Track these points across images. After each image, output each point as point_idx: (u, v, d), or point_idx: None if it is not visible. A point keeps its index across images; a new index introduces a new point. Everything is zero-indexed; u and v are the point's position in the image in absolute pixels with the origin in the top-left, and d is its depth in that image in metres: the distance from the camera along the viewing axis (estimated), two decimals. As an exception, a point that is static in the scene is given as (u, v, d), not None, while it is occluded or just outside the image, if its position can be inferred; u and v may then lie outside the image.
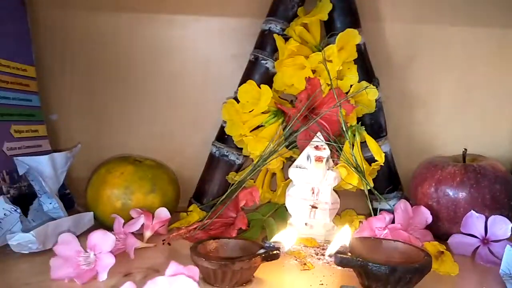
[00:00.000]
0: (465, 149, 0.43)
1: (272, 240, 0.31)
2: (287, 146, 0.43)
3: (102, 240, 0.31)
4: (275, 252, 0.30)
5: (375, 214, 0.40)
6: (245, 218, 0.39)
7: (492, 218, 0.37)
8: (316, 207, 0.40)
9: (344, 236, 0.31)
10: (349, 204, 0.48)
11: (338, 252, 0.29)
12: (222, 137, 0.46)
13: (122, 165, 0.41)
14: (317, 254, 0.37)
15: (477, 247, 0.38)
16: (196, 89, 0.50)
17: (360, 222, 0.42)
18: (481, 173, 0.39)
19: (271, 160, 0.41)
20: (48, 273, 0.30)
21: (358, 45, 0.43)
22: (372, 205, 0.46)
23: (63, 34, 0.49)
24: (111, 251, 0.31)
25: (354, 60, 0.43)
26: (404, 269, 0.28)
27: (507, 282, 0.31)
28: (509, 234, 0.37)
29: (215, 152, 0.47)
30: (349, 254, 0.29)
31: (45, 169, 0.40)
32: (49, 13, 0.48)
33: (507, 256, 0.33)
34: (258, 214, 0.42)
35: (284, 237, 0.32)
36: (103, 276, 0.30)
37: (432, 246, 0.35)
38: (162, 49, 0.49)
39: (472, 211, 0.38)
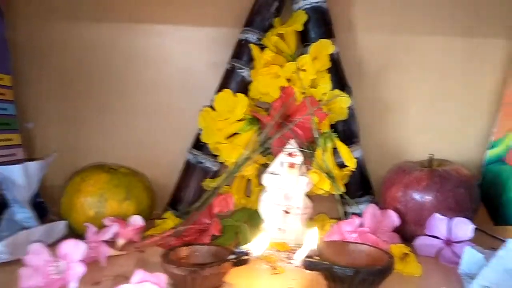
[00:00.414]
0: (431, 155, 0.44)
1: (245, 246, 0.32)
2: (262, 153, 0.44)
3: (73, 249, 0.31)
4: (244, 257, 0.31)
5: (347, 218, 0.41)
6: (219, 224, 0.40)
7: (454, 220, 0.39)
8: (288, 212, 0.41)
9: (312, 239, 0.32)
10: (323, 208, 0.49)
11: (305, 256, 0.30)
12: (198, 144, 0.47)
13: (96, 173, 0.41)
14: (288, 258, 0.38)
15: (441, 248, 0.39)
16: (174, 97, 0.50)
17: (332, 225, 0.43)
18: (446, 177, 0.41)
19: (245, 167, 0.42)
20: (17, 283, 0.30)
21: (331, 55, 0.45)
22: (345, 209, 0.48)
23: (40, 43, 0.48)
24: (82, 260, 0.31)
25: (327, 69, 0.44)
26: (367, 271, 0.29)
27: (465, 281, 0.33)
28: (470, 235, 0.39)
29: (191, 159, 0.48)
30: (317, 257, 0.30)
31: (18, 178, 0.40)
32: (26, 22, 0.48)
33: (467, 257, 0.34)
34: (231, 220, 0.42)
35: (257, 244, 0.33)
36: (73, 285, 0.30)
37: (397, 248, 0.37)
38: (140, 58, 0.49)
39: (435, 213, 0.40)
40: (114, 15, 0.48)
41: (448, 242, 0.39)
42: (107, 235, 0.37)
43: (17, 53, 0.47)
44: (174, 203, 0.48)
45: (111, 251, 0.37)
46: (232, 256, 0.31)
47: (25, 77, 0.49)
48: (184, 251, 0.33)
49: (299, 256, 0.30)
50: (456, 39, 0.51)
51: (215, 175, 0.48)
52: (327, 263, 0.29)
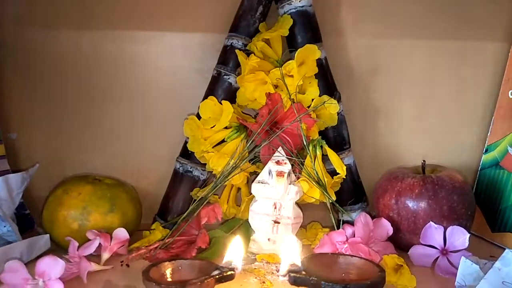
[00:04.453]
0: (424, 161, 0.43)
1: (224, 261, 0.31)
2: (250, 161, 0.43)
3: (51, 267, 0.30)
4: (229, 273, 0.30)
5: (339, 227, 0.40)
6: (207, 236, 0.39)
7: (450, 228, 0.38)
8: (278, 222, 0.40)
9: (291, 249, 0.31)
10: (316, 216, 0.48)
11: (292, 271, 0.29)
12: (186, 153, 0.46)
13: (79, 185, 0.40)
14: (278, 271, 0.36)
15: (437, 258, 0.38)
16: (160, 105, 0.49)
17: (323, 236, 0.42)
18: (439, 184, 0.40)
19: (232, 176, 0.41)
20: (-7, 303, 0.29)
21: (319, 60, 0.44)
22: (338, 217, 0.47)
23: (24, 52, 0.47)
24: (60, 278, 0.30)
25: (315, 75, 0.43)
26: (356, 286, 0.28)
27: (461, 294, 0.32)
28: (466, 244, 0.37)
29: (179, 168, 0.46)
30: (304, 272, 0.29)
31: (-1, 191, 0.39)
32: (9, 31, 0.47)
33: (462, 268, 0.33)
34: (220, 231, 0.41)
35: (233, 254, 0.32)
36: (50, 304, 0.29)
37: (391, 259, 0.35)
38: (126, 65, 0.49)
39: (430, 222, 0.38)
40: (99, 23, 0.48)
41: (444, 252, 0.38)
42: (90, 249, 0.36)
43: (0, 63, 0.47)
44: (163, 213, 0.47)
45: (95, 266, 0.36)
46: (216, 272, 0.30)
47: (7, 87, 0.48)
48: (167, 266, 0.31)
49: (283, 270, 0.29)
50: (446, 42, 0.50)
51: (204, 184, 0.47)
52: (314, 278, 0.28)
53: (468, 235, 0.38)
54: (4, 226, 0.39)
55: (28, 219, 0.46)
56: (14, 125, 0.49)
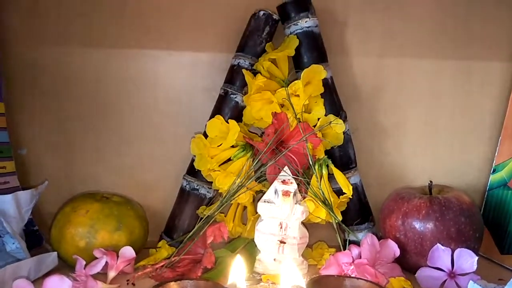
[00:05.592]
0: (431, 181, 0.43)
1: (229, 282, 0.31)
2: (256, 180, 0.43)
3: (57, 286, 0.30)
4: (234, 295, 0.30)
5: (345, 247, 0.40)
6: (213, 255, 0.39)
7: (458, 251, 0.38)
8: (284, 242, 0.40)
9: (291, 271, 0.31)
10: (322, 235, 0.48)
11: (297, 294, 0.29)
12: (193, 171, 0.46)
13: (87, 203, 0.41)
14: (283, 292, 0.36)
15: (445, 281, 0.37)
16: (168, 124, 0.50)
17: (329, 257, 0.42)
18: (446, 205, 0.40)
19: (238, 195, 0.41)
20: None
21: (325, 79, 0.44)
22: (345, 237, 0.46)
23: (33, 69, 0.48)
24: (67, 298, 0.30)
25: (321, 94, 0.44)
26: (362, 311, 0.28)
27: (470, 320, 0.31)
28: (475, 267, 0.37)
29: (185, 186, 0.47)
30: (309, 296, 0.29)
31: (9, 208, 0.39)
32: (19, 48, 0.48)
33: (470, 292, 0.33)
34: (226, 251, 0.41)
35: (238, 275, 0.31)
36: (56, 325, 0.29)
37: (398, 282, 0.35)
38: (134, 83, 0.49)
39: (438, 244, 0.38)
40: (107, 41, 0.49)
41: (452, 275, 0.37)
42: (97, 268, 0.36)
43: (10, 79, 0.47)
44: (169, 231, 0.47)
45: (101, 285, 0.36)
46: (221, 294, 0.30)
47: (18, 103, 0.48)
48: (172, 287, 0.31)
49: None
50: (452, 62, 0.50)
51: (210, 202, 0.47)
52: (320, 302, 0.28)
53: (477, 258, 0.37)
54: (13, 243, 0.40)
55: (36, 236, 0.46)
56: (24, 141, 0.49)
